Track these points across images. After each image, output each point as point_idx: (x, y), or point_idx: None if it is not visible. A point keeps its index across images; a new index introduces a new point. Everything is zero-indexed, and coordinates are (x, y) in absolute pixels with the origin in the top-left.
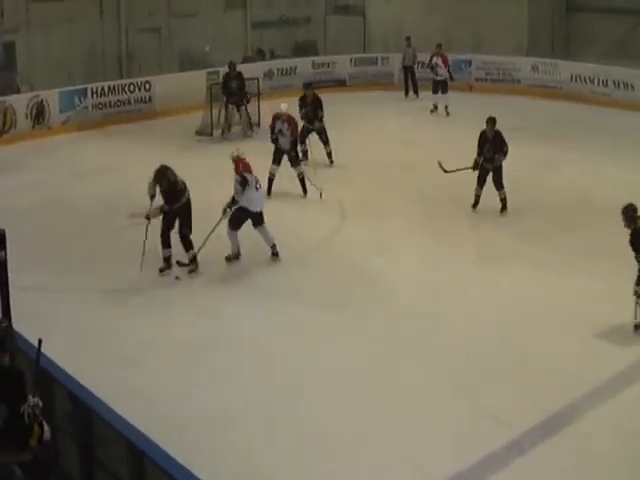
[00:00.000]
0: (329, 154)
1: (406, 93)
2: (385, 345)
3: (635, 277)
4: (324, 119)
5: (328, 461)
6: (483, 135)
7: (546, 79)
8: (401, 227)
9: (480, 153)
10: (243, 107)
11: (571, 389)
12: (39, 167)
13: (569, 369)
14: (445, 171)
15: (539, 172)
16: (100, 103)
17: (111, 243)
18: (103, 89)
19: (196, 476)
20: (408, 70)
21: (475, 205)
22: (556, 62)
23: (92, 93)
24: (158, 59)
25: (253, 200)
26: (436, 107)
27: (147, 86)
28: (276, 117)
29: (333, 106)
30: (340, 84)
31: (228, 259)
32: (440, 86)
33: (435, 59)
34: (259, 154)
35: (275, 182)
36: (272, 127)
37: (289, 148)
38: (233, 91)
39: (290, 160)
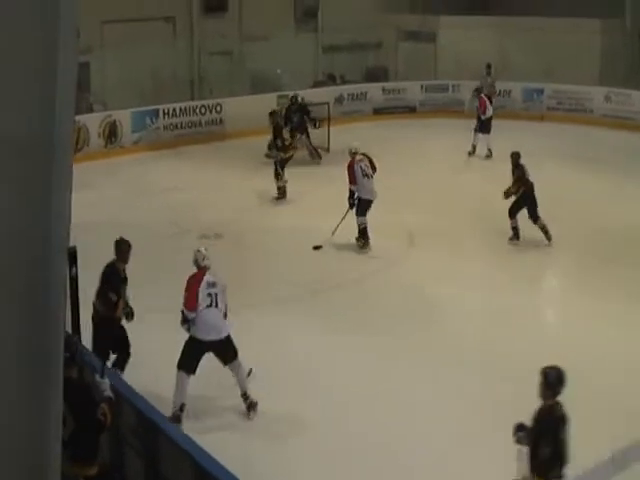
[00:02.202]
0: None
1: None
2: (439, 373)
3: None
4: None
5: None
6: (518, 164)
7: (619, 109)
8: (466, 255)
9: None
10: (304, 135)
11: (636, 426)
12: (110, 185)
13: (634, 405)
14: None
15: (610, 201)
16: (171, 124)
17: (177, 262)
18: (175, 110)
19: None
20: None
21: (516, 236)
22: (629, 92)
23: (164, 114)
24: (229, 82)
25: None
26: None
27: (218, 108)
28: (357, 161)
29: (403, 132)
30: (410, 110)
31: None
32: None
33: (475, 102)
34: (325, 181)
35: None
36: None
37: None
38: (294, 125)
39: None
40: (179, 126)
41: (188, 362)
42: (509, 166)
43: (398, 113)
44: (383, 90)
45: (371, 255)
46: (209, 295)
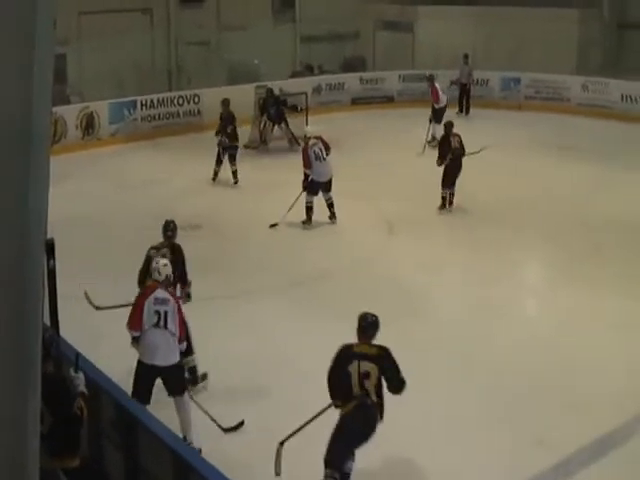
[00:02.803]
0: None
1: (460, 110)
2: (427, 364)
3: None
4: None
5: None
6: (447, 136)
7: (596, 98)
8: (452, 242)
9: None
10: (283, 124)
11: (620, 410)
12: (87, 177)
13: (619, 390)
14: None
15: (589, 191)
16: (149, 115)
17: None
18: (152, 101)
19: None
20: (464, 87)
21: (445, 205)
22: (607, 81)
23: (141, 105)
24: (207, 72)
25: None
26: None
27: (196, 99)
28: (310, 145)
29: (381, 122)
30: (388, 100)
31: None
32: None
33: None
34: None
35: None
36: (308, 160)
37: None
38: (271, 117)
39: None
40: (157, 117)
41: (139, 391)
42: (486, 155)
43: (376, 103)
44: (361, 80)
45: (351, 244)
46: (156, 313)
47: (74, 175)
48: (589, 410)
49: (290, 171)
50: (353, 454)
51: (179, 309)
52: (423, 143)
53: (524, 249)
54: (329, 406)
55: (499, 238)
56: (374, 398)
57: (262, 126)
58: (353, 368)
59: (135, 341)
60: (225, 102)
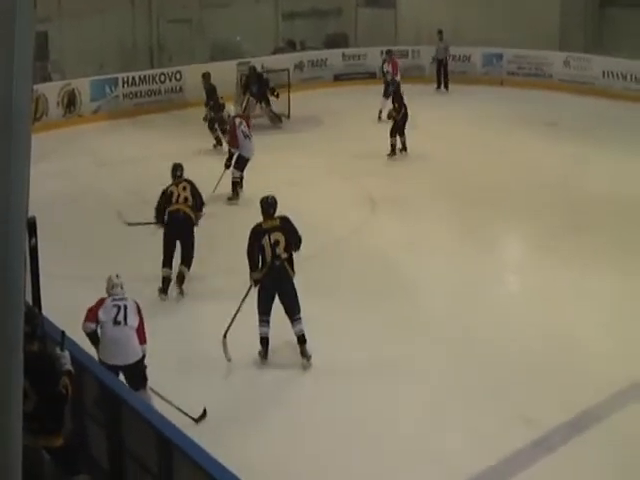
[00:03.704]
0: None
1: (438, 86)
2: (413, 344)
3: None
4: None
5: (354, 456)
6: (398, 92)
7: (578, 74)
8: (434, 221)
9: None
10: (264, 103)
11: (604, 387)
12: (69, 155)
13: (600, 369)
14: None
15: (570, 167)
16: (131, 92)
17: (138, 233)
18: (134, 79)
19: (223, 465)
20: (440, 63)
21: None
22: (589, 57)
23: (123, 82)
24: (189, 49)
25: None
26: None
27: (178, 76)
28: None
29: (363, 98)
30: (370, 76)
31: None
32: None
33: (386, 66)
34: (288, 147)
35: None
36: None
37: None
38: (254, 94)
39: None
40: (139, 94)
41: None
42: (465, 130)
43: (358, 79)
44: (343, 56)
45: (333, 223)
46: (115, 307)
47: (56, 153)
48: (573, 387)
49: (275, 150)
50: (266, 320)
51: (136, 307)
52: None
53: (507, 227)
54: (249, 288)
55: (481, 215)
56: (284, 256)
57: (245, 103)
58: (265, 241)
59: (94, 343)
60: (205, 76)
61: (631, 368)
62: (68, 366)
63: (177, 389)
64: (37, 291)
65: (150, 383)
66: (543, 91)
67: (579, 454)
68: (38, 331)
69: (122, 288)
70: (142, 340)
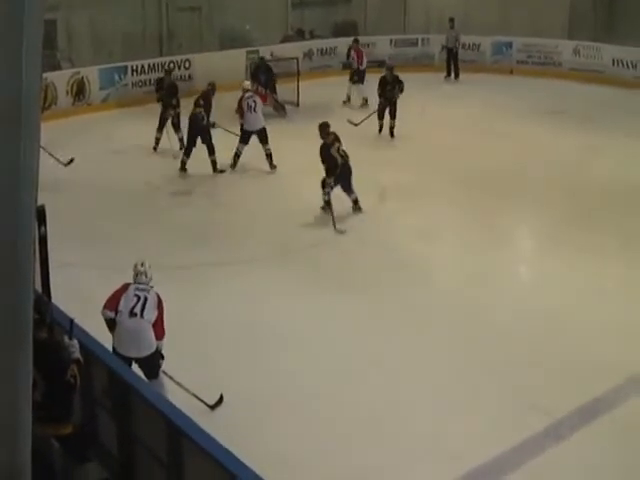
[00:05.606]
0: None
1: (447, 75)
2: (423, 331)
3: None
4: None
5: (361, 446)
6: (384, 79)
7: (588, 63)
8: (444, 210)
9: (382, 94)
10: (269, 91)
11: (613, 376)
12: (78, 144)
13: (609, 354)
14: (355, 124)
15: (580, 156)
16: (140, 81)
17: (150, 220)
18: (143, 67)
19: (233, 454)
20: (450, 52)
21: (380, 131)
22: (598, 45)
23: (132, 71)
24: (198, 38)
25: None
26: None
27: (187, 64)
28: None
29: (371, 86)
30: (380, 65)
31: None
32: (356, 75)
33: (352, 53)
34: (296, 135)
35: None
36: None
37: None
38: (261, 83)
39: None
40: (148, 83)
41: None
42: (475, 119)
43: (367, 68)
44: None
45: (344, 212)
46: (136, 296)
47: (64, 141)
48: (581, 374)
49: (283, 139)
50: (331, 187)
51: (158, 302)
52: (354, 104)
53: (516, 215)
54: (330, 186)
55: (490, 204)
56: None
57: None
58: (334, 151)
59: (110, 329)
60: (168, 72)
61: None
62: (77, 354)
63: (193, 375)
64: (46, 279)
65: (167, 369)
66: (553, 80)
67: (588, 443)
68: (47, 318)
69: (147, 276)
70: (159, 335)
